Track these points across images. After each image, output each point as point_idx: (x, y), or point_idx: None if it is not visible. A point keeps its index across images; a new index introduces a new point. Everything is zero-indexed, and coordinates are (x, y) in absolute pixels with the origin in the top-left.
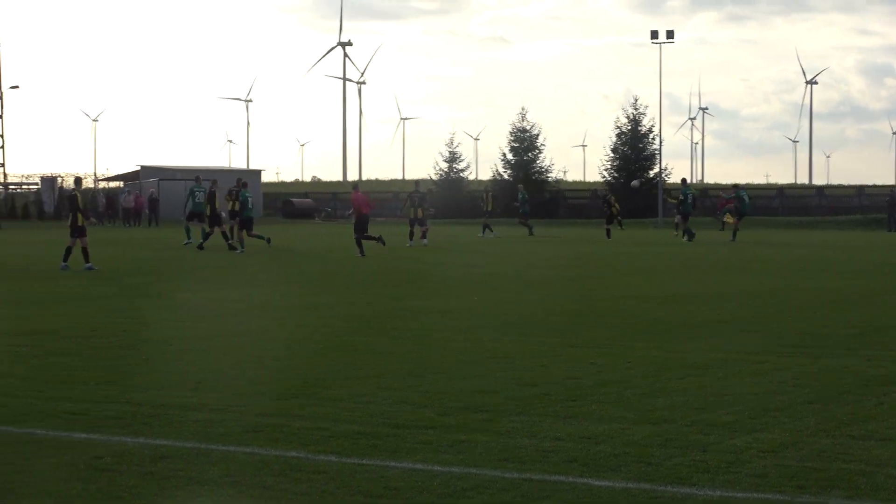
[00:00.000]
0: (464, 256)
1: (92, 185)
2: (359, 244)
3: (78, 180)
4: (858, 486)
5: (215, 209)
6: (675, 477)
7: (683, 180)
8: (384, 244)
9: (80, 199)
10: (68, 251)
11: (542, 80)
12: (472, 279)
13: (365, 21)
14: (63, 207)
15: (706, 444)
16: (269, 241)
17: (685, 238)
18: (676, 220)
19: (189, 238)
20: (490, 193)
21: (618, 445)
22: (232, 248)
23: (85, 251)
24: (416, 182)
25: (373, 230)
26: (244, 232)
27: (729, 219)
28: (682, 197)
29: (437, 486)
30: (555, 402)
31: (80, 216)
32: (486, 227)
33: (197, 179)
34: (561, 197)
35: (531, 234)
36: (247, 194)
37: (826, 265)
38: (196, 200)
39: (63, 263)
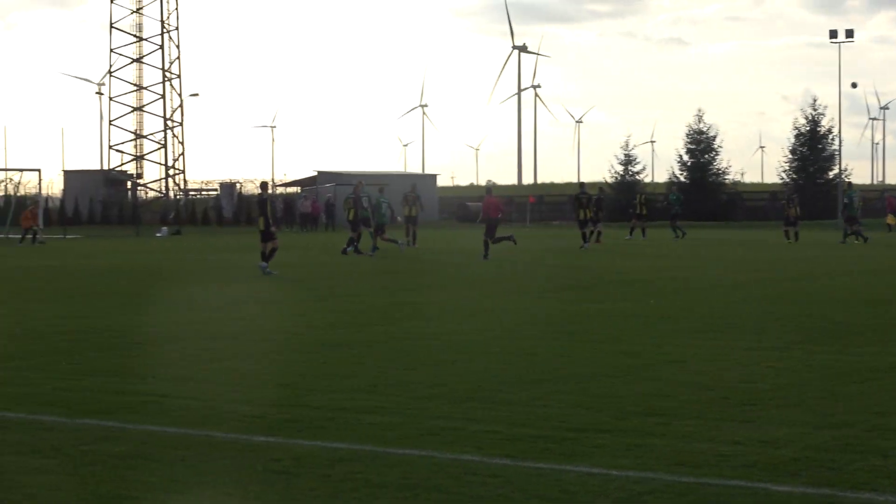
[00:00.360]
0: (638, 259)
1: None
2: (486, 247)
3: (264, 185)
4: None
5: (358, 214)
6: (856, 482)
7: (849, 184)
8: (515, 242)
9: (269, 203)
10: (263, 254)
11: (720, 82)
12: (650, 282)
13: (539, 24)
14: (242, 212)
15: (887, 448)
16: (401, 244)
17: (859, 240)
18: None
19: (376, 246)
20: (643, 196)
21: (797, 450)
22: (358, 252)
23: (272, 253)
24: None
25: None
26: (377, 236)
27: (891, 219)
28: (846, 201)
29: (614, 491)
30: (732, 406)
31: (269, 220)
32: (633, 228)
33: (381, 190)
34: (738, 199)
35: (677, 237)
36: (382, 199)
37: None
38: (381, 211)
39: (262, 264)
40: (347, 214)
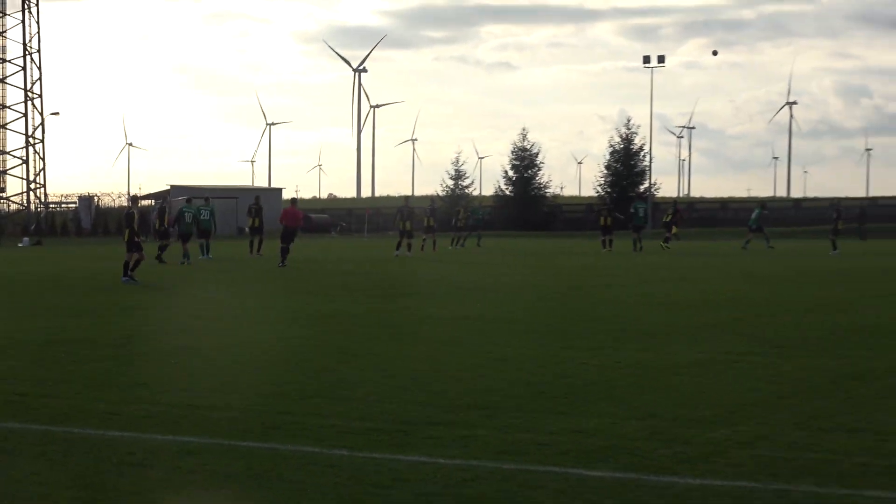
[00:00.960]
0: (458, 269)
1: (129, 205)
2: (283, 254)
3: (134, 199)
4: (826, 474)
5: (164, 224)
6: (660, 467)
7: (638, 195)
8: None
9: (136, 217)
10: (126, 266)
11: (544, 103)
12: (471, 288)
13: (378, 49)
14: (99, 224)
15: (688, 437)
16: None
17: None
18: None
19: (205, 254)
20: (462, 209)
21: (607, 438)
22: (162, 261)
23: (136, 264)
24: (406, 198)
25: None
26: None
27: (675, 230)
28: (632, 210)
29: (442, 478)
30: (549, 400)
31: (135, 232)
32: (456, 239)
33: (206, 199)
34: (558, 210)
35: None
36: (186, 210)
37: (804, 274)
38: (202, 218)
39: (124, 278)
40: (156, 224)
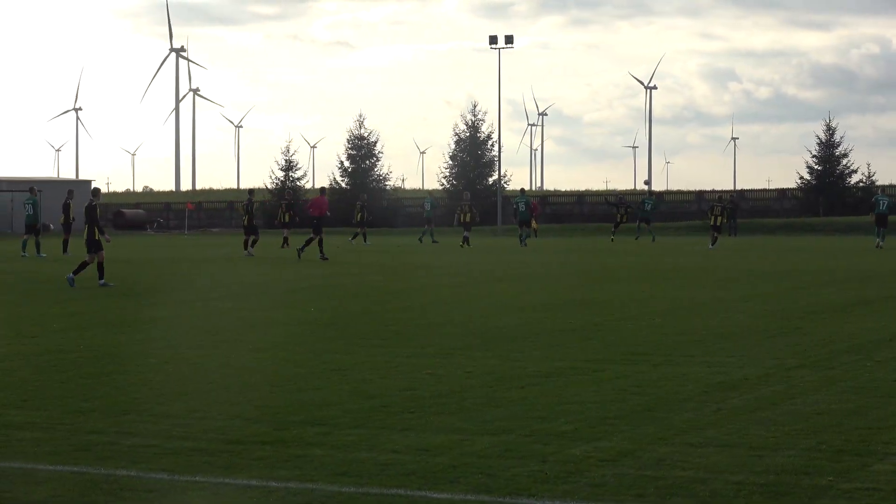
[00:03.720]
0: (291, 269)
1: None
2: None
3: (96, 190)
4: (697, 494)
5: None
6: (514, 487)
7: (522, 190)
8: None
9: (98, 211)
10: (83, 265)
11: (385, 86)
12: (316, 289)
13: (203, 26)
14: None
15: (545, 453)
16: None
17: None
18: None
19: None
20: (360, 204)
21: (456, 457)
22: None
23: (100, 266)
24: (250, 191)
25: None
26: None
27: (535, 224)
28: (515, 206)
29: (274, 502)
30: (393, 414)
31: (96, 230)
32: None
33: (31, 191)
34: (399, 205)
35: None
36: (28, 202)
37: (666, 273)
38: (27, 213)
39: (101, 281)
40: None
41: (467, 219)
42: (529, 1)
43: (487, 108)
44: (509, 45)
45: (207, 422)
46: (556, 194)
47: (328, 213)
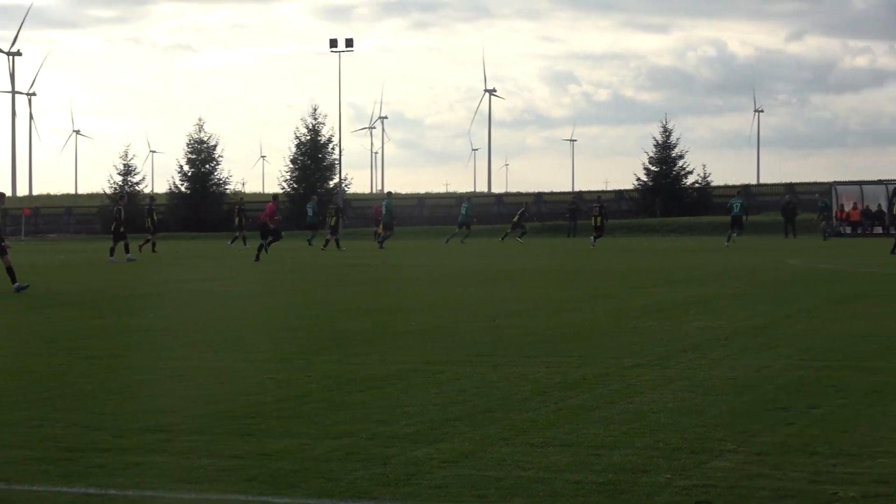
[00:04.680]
0: (132, 274)
1: None
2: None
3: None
4: (537, 493)
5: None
6: (356, 491)
7: (389, 193)
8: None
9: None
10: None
11: (226, 90)
12: (157, 295)
13: (41, 30)
14: None
15: (387, 456)
16: None
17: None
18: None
19: None
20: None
21: (297, 461)
22: None
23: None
24: (120, 196)
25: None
26: None
27: (380, 228)
28: (384, 210)
29: None
30: (233, 420)
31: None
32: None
33: None
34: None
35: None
36: None
37: (507, 274)
38: None
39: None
40: None
41: (333, 222)
42: (371, 4)
43: (329, 111)
44: (350, 49)
45: (44, 430)
46: (398, 197)
47: (279, 218)
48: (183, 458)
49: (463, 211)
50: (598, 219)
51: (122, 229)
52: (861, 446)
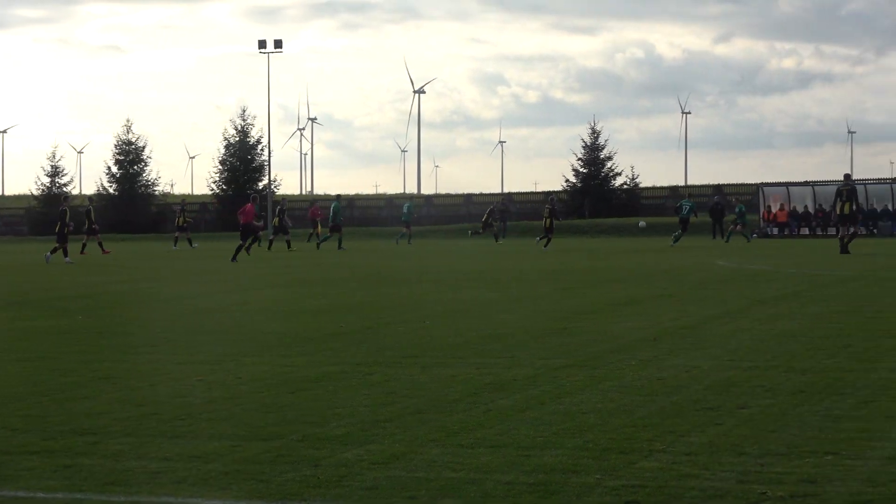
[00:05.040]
0: (67, 274)
1: None
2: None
3: None
4: (468, 494)
5: None
6: (286, 493)
7: (338, 196)
8: None
9: None
10: None
11: (155, 91)
12: (73, 297)
13: None
14: None
15: (318, 458)
16: None
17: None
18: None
19: None
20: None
21: (228, 463)
22: None
23: None
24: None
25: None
26: None
27: (321, 229)
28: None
29: None
30: (163, 422)
31: None
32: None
33: None
34: (168, 210)
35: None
36: None
37: (437, 276)
38: None
39: None
40: None
41: (276, 223)
42: (300, 5)
43: (258, 112)
44: (279, 50)
45: None
46: (328, 199)
47: (255, 221)
48: (112, 461)
49: (405, 210)
50: (548, 220)
51: (66, 231)
52: (789, 446)
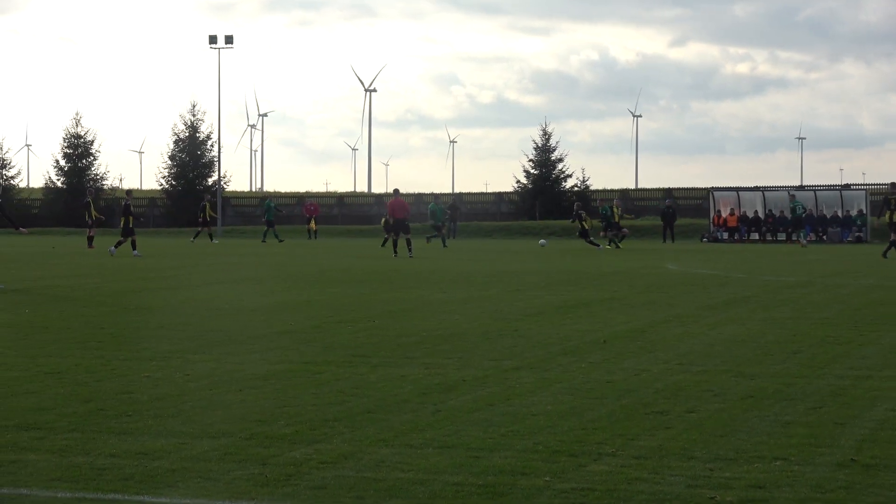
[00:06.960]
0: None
1: None
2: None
3: None
4: (416, 495)
5: None
6: (235, 491)
7: (265, 195)
8: None
9: None
10: None
11: (106, 84)
12: (27, 292)
13: None
14: None
15: (266, 456)
16: None
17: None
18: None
19: None
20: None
21: (175, 461)
22: None
23: None
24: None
25: None
26: None
27: (313, 224)
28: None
29: None
30: (110, 418)
31: None
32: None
33: None
34: (117, 205)
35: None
36: None
37: (386, 275)
38: None
39: None
40: None
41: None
42: (253, 1)
43: (208, 108)
44: (230, 45)
45: None
46: (278, 196)
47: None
48: (58, 457)
49: (434, 210)
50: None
51: (130, 224)
52: (738, 451)
